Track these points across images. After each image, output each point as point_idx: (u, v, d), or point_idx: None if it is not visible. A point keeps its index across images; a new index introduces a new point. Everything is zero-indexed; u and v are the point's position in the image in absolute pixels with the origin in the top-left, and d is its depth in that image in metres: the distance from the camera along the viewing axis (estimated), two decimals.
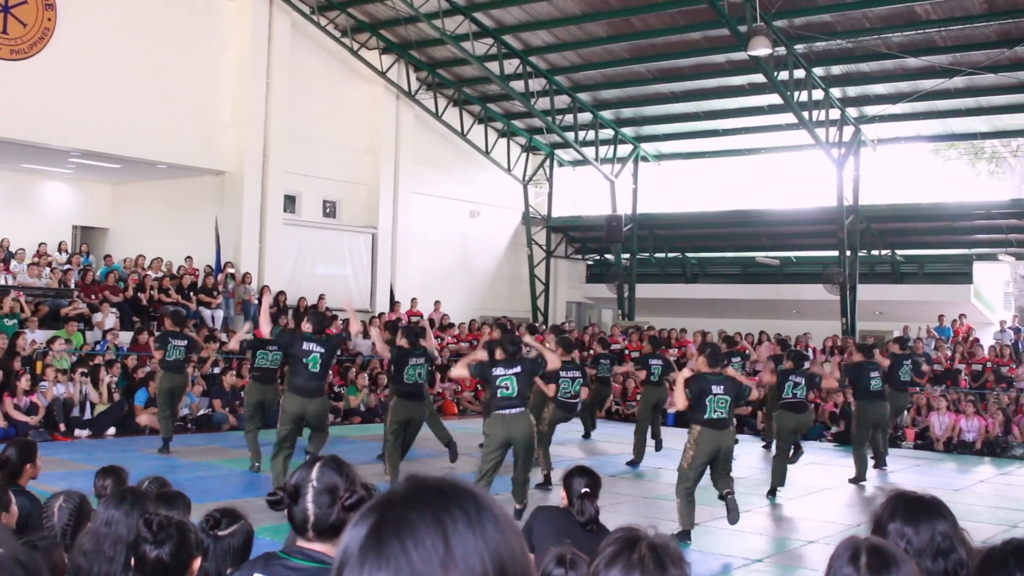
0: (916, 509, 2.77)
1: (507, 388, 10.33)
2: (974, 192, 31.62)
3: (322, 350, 11.43)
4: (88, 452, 14.48)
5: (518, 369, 10.44)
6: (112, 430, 16.94)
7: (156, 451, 14.87)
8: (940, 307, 25.01)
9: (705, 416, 10.19)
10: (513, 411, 10.32)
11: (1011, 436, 19.13)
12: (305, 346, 11.35)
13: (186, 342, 15.31)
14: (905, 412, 18.77)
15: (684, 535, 10.10)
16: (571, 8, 22.69)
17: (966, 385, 21.58)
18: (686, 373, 10.46)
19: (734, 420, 10.69)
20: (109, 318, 19.84)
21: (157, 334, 16.98)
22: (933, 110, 24.09)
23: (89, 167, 23.33)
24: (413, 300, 25.61)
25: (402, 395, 12.89)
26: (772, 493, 13.03)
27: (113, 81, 21.41)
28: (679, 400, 10.48)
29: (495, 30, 24.07)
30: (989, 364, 22.07)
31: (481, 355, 12.54)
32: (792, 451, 13.58)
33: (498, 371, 10.43)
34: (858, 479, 14.44)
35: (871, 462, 15.02)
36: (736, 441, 10.99)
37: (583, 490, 5.50)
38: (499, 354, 10.69)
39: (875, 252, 27.34)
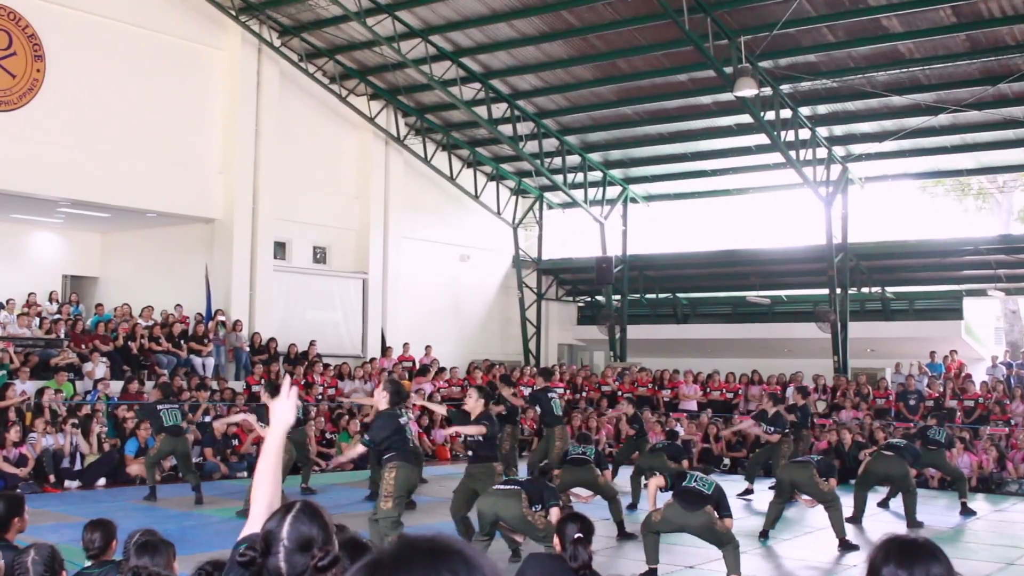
0: (911, 553, 2.74)
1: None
2: (962, 228, 31.78)
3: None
4: (78, 504, 14.38)
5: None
6: (102, 481, 16.81)
7: (143, 499, 14.83)
8: (931, 343, 25.01)
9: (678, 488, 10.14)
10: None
11: (1005, 472, 19.09)
12: None
13: (177, 406, 15.58)
14: None
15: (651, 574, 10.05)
16: (558, 52, 22.84)
17: (960, 422, 21.54)
18: (659, 482, 10.37)
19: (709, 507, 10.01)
20: (99, 367, 19.74)
21: (140, 407, 17.20)
22: (919, 147, 24.22)
23: (78, 216, 23.34)
24: (405, 345, 25.55)
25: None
26: (764, 535, 12.94)
27: (102, 131, 21.47)
28: (651, 504, 10.49)
29: (483, 75, 24.20)
30: (982, 400, 22.04)
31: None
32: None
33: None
34: (854, 519, 14.35)
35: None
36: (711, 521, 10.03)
37: (576, 535, 5.46)
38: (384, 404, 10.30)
39: (865, 290, 27.38)
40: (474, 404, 11.07)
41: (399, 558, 1.42)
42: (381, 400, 9.95)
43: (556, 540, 5.58)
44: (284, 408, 3.35)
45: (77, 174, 20.90)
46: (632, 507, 15.12)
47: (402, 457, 9.85)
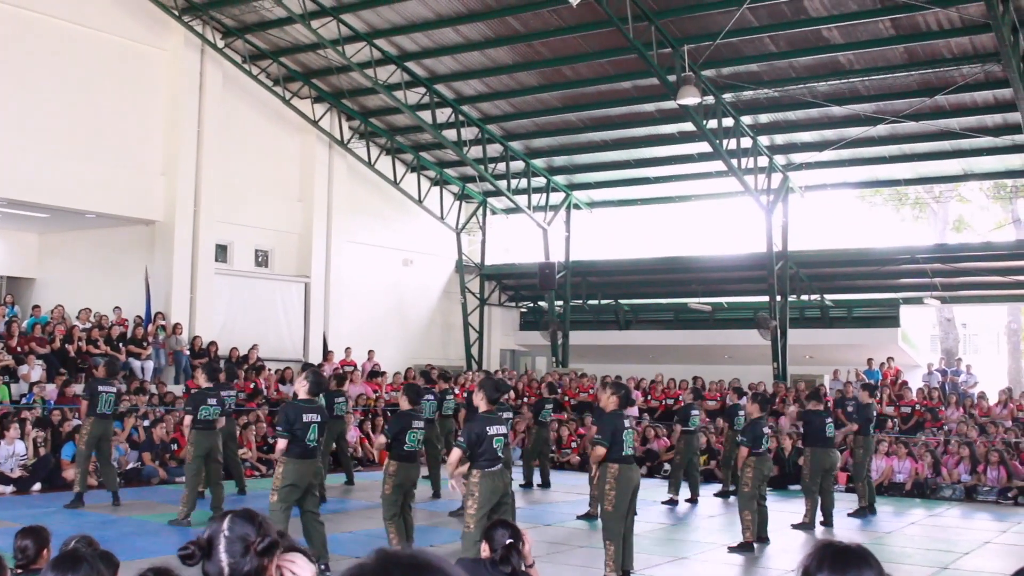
0: (843, 559, 2.78)
1: (499, 446, 9.20)
2: (899, 237, 32.27)
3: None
4: (12, 509, 14.11)
5: (505, 428, 9.48)
6: (38, 486, 16.51)
7: (67, 505, 14.48)
8: (869, 351, 25.38)
9: (622, 453, 10.01)
10: (500, 466, 9.29)
11: (940, 477, 19.39)
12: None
13: (115, 391, 15.12)
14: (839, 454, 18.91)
15: None
16: (503, 58, 22.89)
17: (892, 427, 21.85)
18: (600, 451, 10.03)
19: None
20: (35, 370, 19.43)
21: (86, 384, 16.83)
22: (858, 157, 24.58)
23: (15, 216, 22.95)
24: (347, 349, 25.44)
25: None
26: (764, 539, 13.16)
27: (40, 129, 21.15)
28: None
29: (427, 79, 24.18)
30: (918, 407, 22.36)
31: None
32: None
33: (493, 430, 9.17)
34: (808, 525, 14.53)
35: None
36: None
37: (508, 541, 5.43)
38: (484, 405, 9.39)
39: (804, 297, 27.70)
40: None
41: (380, 571, 1.42)
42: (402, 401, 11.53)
43: (484, 546, 5.54)
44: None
45: (14, 173, 20.55)
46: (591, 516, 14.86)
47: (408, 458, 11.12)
